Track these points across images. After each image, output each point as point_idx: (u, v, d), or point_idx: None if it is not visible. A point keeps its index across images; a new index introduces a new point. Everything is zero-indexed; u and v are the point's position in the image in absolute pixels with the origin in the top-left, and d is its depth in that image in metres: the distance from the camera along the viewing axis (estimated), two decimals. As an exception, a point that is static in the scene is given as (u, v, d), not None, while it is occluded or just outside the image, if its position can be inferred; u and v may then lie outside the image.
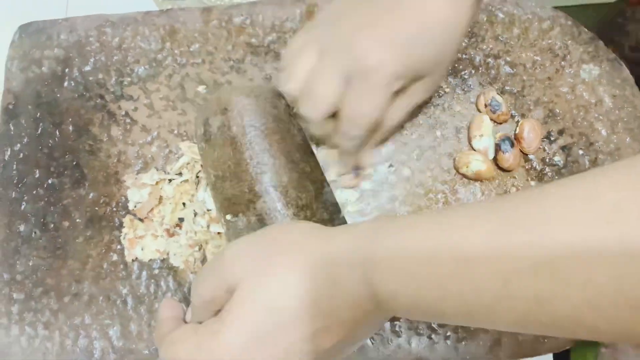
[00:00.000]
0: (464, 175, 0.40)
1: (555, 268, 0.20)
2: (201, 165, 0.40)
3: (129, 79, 0.44)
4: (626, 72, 0.41)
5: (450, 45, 0.33)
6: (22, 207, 0.42)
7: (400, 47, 0.31)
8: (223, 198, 0.35)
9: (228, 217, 0.35)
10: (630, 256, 0.19)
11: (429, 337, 0.38)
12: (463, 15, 0.32)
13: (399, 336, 0.38)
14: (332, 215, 0.35)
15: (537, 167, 0.40)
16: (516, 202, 0.23)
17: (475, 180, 0.40)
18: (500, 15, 0.43)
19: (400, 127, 0.40)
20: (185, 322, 0.32)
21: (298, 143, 0.36)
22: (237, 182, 0.35)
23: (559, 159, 0.40)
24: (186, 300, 0.40)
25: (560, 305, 0.20)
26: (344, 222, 0.37)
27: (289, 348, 0.26)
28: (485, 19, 0.43)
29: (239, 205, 0.35)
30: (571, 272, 0.20)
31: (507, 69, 0.42)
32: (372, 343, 0.38)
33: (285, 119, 0.36)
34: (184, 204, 0.41)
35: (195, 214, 0.40)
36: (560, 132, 0.41)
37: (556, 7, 0.43)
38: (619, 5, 0.52)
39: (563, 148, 0.40)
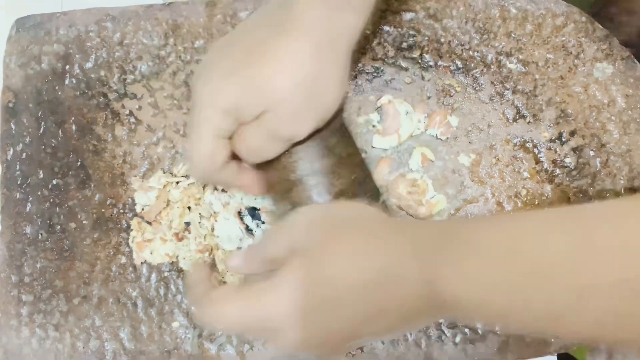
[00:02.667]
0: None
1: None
2: None
3: (132, 77, 0.43)
4: (640, 70, 0.40)
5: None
6: (27, 208, 0.42)
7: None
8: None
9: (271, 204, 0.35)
10: None
11: (439, 339, 0.38)
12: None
13: (407, 339, 0.38)
14: (370, 201, 0.34)
15: (548, 168, 0.40)
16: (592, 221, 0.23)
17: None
18: (513, 10, 0.42)
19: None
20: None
21: (335, 127, 0.35)
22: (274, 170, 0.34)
23: (570, 160, 0.40)
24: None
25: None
26: (385, 207, 0.36)
27: (334, 325, 0.27)
28: (497, 14, 0.42)
29: (277, 194, 0.35)
30: None
31: (520, 67, 0.41)
32: (382, 344, 0.38)
33: None
34: (189, 207, 0.40)
35: (201, 217, 0.40)
36: (572, 134, 0.40)
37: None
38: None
39: (574, 150, 0.40)
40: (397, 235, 0.27)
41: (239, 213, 0.40)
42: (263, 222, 0.40)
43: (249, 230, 0.40)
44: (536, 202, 0.39)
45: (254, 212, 0.40)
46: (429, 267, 0.26)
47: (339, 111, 0.34)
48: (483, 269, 0.24)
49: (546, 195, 0.40)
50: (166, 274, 0.40)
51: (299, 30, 0.30)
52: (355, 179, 0.34)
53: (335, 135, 0.34)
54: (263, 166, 0.34)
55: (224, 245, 0.39)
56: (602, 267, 0.21)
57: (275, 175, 0.34)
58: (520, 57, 0.41)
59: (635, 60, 0.41)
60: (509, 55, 0.41)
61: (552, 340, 0.38)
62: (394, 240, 0.27)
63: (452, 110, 0.41)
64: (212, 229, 0.40)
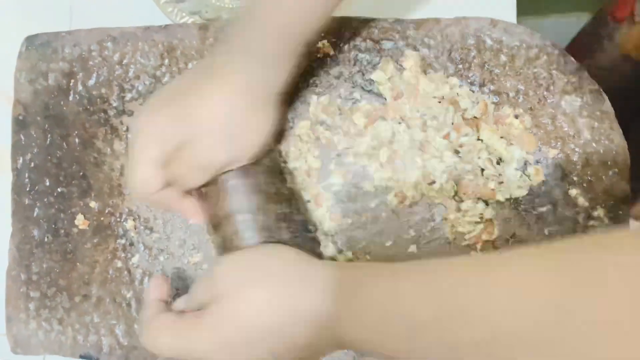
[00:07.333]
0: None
1: (496, 348, 0.24)
2: None
3: (130, 95, 0.46)
4: (607, 104, 0.42)
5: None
6: (35, 213, 0.46)
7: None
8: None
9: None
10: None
11: None
12: None
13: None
14: (294, 235, 0.38)
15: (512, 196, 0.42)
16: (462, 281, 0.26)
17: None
18: (489, 41, 0.44)
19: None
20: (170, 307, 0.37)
21: (266, 165, 0.39)
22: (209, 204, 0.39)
23: (534, 189, 0.42)
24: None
25: None
26: (316, 241, 0.41)
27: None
28: (473, 44, 0.44)
29: (210, 226, 0.39)
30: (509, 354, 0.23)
31: (492, 97, 0.43)
32: None
33: None
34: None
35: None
36: (537, 163, 0.42)
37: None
38: (603, 17, 0.51)
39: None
40: (306, 283, 0.32)
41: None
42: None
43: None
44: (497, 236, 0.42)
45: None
46: (333, 315, 0.30)
47: (269, 151, 0.39)
48: (372, 324, 0.29)
49: (508, 218, 0.42)
50: (157, 278, 0.45)
51: (222, 78, 0.36)
52: (281, 214, 0.38)
53: (265, 173, 0.38)
54: (202, 198, 0.39)
55: None
56: (465, 329, 0.25)
57: (209, 208, 0.38)
58: (492, 87, 0.43)
59: (604, 94, 0.42)
60: (481, 85, 0.43)
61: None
62: (302, 288, 0.31)
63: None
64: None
